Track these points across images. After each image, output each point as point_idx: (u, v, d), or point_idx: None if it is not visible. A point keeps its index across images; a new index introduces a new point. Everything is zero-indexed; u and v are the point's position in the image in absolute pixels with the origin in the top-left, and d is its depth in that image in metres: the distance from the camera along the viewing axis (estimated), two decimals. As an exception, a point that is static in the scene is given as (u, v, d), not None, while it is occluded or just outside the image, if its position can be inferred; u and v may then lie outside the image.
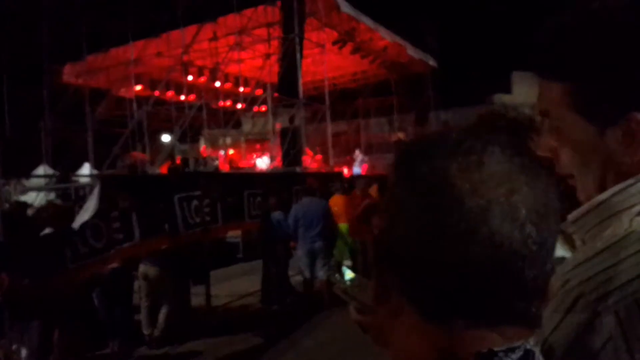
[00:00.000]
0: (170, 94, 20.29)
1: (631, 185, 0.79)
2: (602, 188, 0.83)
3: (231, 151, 19.47)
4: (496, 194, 0.53)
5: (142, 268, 7.17)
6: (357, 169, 18.40)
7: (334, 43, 18.81)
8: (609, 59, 0.78)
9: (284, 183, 9.64)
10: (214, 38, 17.34)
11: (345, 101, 24.70)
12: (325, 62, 17.61)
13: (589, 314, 0.70)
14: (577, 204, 1.35)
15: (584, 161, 0.86)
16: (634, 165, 0.79)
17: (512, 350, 0.53)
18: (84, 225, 5.61)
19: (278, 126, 17.47)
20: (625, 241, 0.73)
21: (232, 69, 18.46)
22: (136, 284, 7.36)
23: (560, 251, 1.30)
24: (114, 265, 6.16)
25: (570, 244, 1.29)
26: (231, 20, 16.44)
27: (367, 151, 21.35)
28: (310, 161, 17.95)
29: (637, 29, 0.77)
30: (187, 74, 19.10)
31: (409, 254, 0.56)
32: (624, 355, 0.68)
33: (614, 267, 0.71)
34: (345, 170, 17.22)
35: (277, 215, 8.77)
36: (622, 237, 0.74)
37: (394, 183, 0.60)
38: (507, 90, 17.58)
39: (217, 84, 19.94)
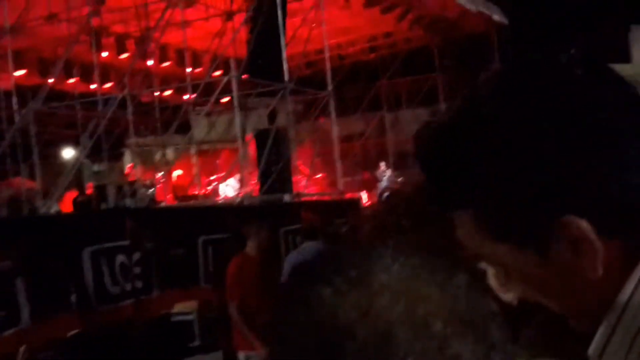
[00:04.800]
0: (73, 82, 20.40)
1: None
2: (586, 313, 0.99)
3: (177, 172, 19.52)
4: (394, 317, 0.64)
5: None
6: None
7: (338, -10, 19.03)
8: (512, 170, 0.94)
9: (264, 221, 9.62)
10: (142, -12, 17.55)
11: (360, 83, 24.84)
12: (324, 21, 17.74)
13: None
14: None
15: (546, 292, 1.03)
16: (601, 280, 0.94)
17: None
18: None
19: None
20: None
21: (173, 37, 18.58)
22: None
23: None
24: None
25: None
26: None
27: (398, 164, 21.43)
28: (307, 183, 17.99)
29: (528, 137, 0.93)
30: (98, 48, 19.19)
31: None
32: None
33: None
34: (365, 197, 17.22)
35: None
36: None
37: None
38: (624, 55, 17.66)
39: (149, 62, 20.06)
